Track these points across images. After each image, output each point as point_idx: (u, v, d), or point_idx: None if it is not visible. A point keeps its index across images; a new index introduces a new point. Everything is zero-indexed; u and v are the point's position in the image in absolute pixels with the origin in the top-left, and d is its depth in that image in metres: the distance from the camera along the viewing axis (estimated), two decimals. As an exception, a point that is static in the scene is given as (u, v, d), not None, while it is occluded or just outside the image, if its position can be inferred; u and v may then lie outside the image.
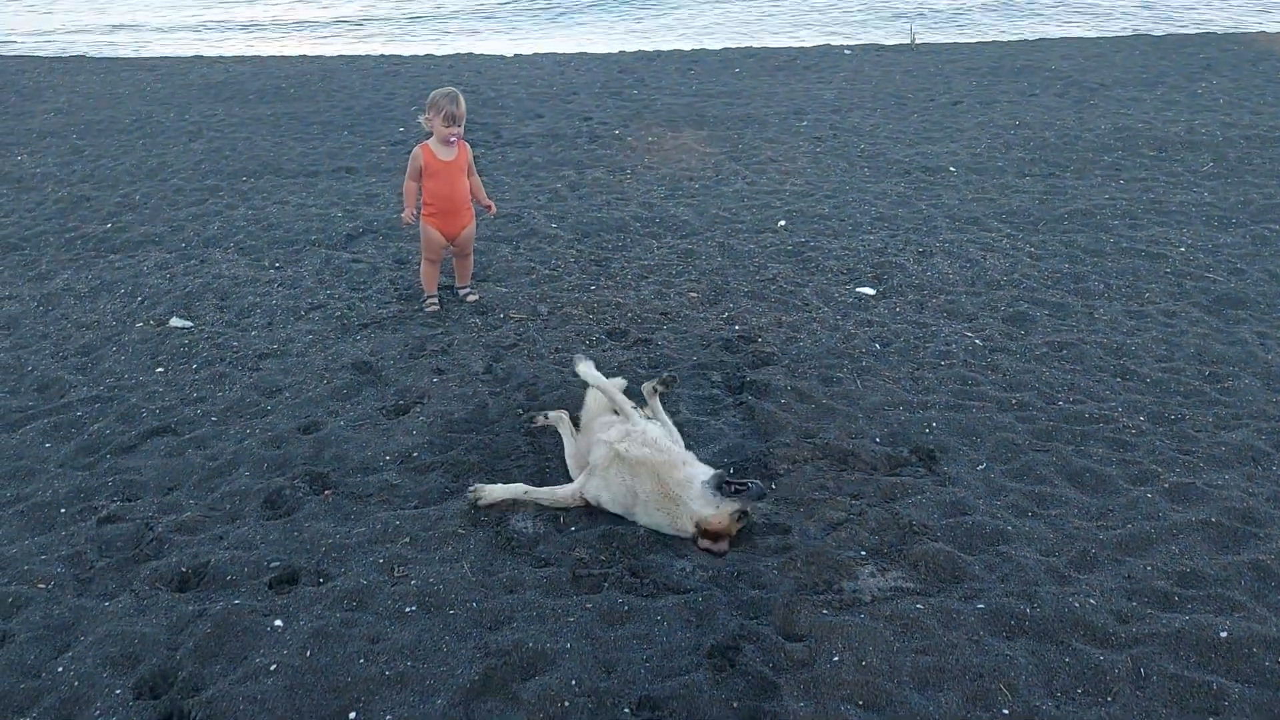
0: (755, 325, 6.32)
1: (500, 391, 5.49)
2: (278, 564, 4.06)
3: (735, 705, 3.31)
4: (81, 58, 17.38)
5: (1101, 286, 6.91)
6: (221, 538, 4.25)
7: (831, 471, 4.72)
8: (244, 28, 22.69)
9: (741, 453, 4.84)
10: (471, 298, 6.75)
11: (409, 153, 6.42)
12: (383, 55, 17.46)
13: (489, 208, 6.57)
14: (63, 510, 4.49)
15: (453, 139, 6.23)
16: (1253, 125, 11.07)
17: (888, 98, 12.95)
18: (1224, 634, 3.57)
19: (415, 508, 4.46)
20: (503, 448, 4.92)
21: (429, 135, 6.35)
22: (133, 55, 18.28)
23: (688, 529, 4.13)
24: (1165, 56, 15.24)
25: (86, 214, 8.69)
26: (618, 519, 4.32)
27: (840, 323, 6.36)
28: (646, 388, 4.94)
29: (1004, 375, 5.65)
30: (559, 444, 4.90)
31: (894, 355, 5.90)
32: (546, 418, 5.01)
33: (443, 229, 6.41)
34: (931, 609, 3.73)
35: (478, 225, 6.97)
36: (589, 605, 3.77)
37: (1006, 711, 3.29)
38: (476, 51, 17.45)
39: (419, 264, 6.83)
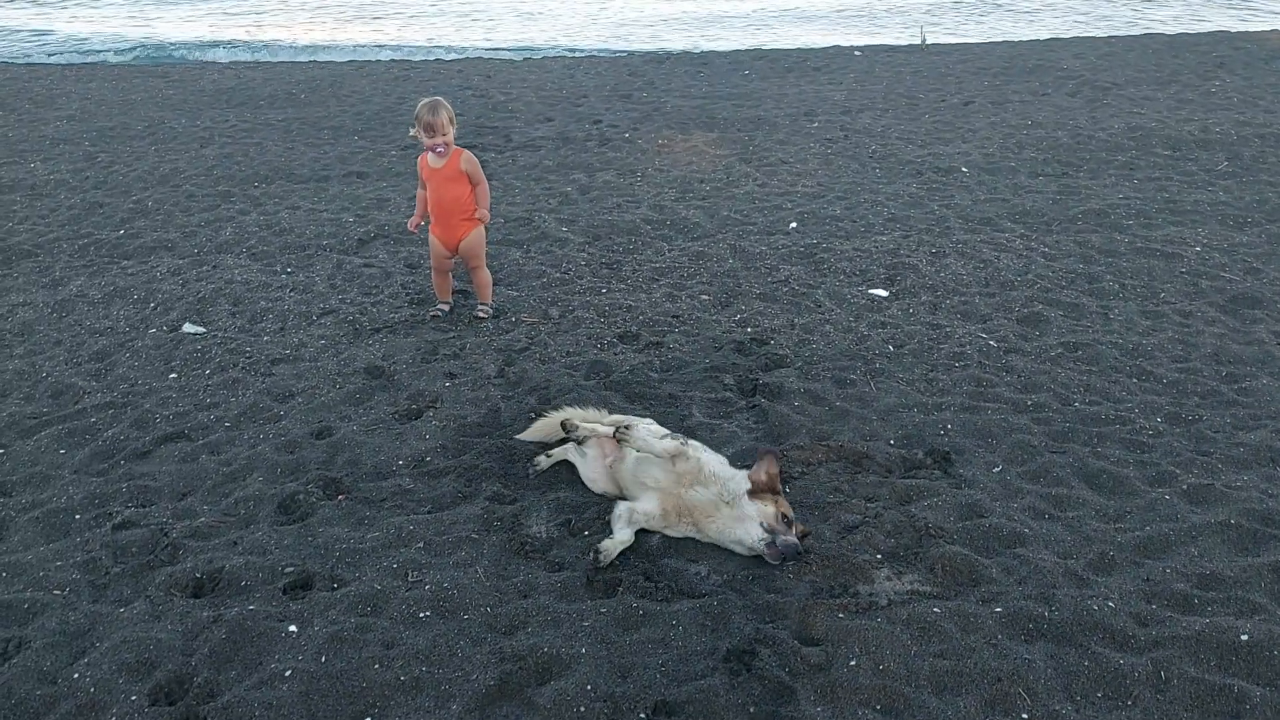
0: (768, 327, 6.30)
1: (513, 395, 5.48)
2: (292, 569, 4.06)
3: (752, 710, 3.30)
4: (94, 64, 17.47)
5: (1116, 287, 6.87)
6: (236, 543, 4.25)
7: (846, 474, 4.70)
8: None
9: (754, 456, 4.80)
10: (481, 314, 6.53)
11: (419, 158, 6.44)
12: (392, 60, 17.51)
13: (482, 218, 6.30)
14: (78, 516, 4.50)
15: (439, 149, 6.12)
16: (1267, 124, 11.01)
17: (899, 98, 12.92)
18: (1244, 637, 3.53)
19: (429, 512, 4.46)
20: (515, 452, 4.91)
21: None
22: (146, 62, 18.35)
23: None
24: (1178, 55, 15.17)
25: (99, 220, 8.72)
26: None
27: (853, 324, 6.34)
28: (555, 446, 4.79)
29: (1019, 376, 5.62)
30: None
31: (908, 357, 5.87)
32: (550, 457, 4.77)
33: (441, 237, 6.38)
34: (949, 612, 3.71)
35: (489, 231, 6.92)
36: (604, 610, 3.76)
37: (1025, 716, 3.27)
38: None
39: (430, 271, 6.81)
